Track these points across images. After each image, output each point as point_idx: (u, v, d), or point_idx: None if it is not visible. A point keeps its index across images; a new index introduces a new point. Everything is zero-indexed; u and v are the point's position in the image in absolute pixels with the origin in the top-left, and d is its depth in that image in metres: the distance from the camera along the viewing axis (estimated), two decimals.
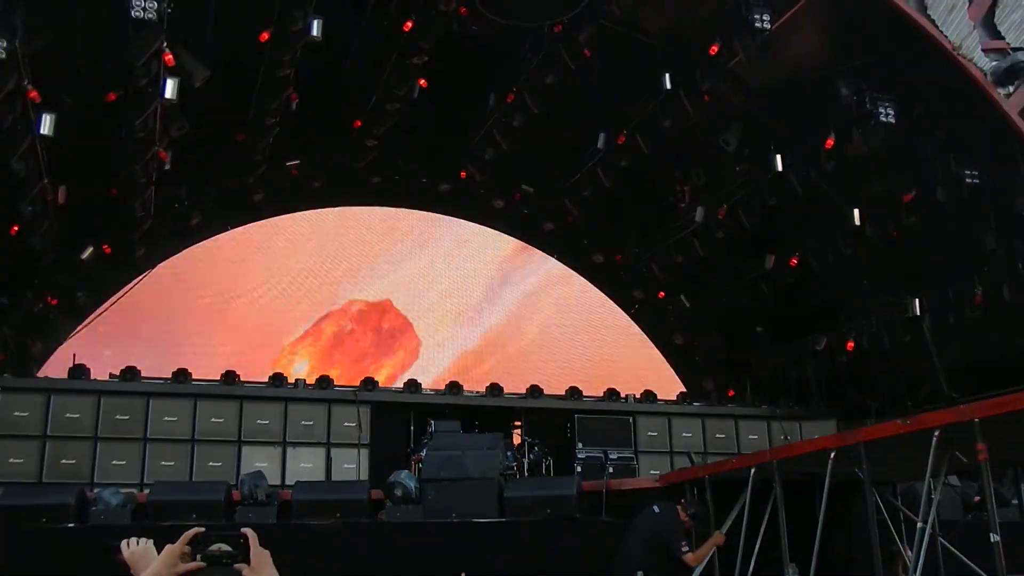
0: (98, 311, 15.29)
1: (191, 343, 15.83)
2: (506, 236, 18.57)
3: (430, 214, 18.13)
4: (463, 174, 16.78)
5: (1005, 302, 12.65)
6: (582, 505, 9.81)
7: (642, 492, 10.02)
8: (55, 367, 14.29)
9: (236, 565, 2.60)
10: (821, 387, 16.26)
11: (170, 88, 10.74)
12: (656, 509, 8.24)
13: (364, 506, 9.82)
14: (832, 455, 7.38)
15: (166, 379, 13.73)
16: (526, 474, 13.13)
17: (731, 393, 17.39)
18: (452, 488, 9.62)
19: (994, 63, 11.98)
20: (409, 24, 12.32)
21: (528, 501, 9.76)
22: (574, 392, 15.78)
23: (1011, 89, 11.97)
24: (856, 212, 13.77)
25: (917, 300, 13.87)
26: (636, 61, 13.71)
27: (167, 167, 12.51)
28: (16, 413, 12.49)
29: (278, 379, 14.21)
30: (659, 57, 13.36)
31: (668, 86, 12.99)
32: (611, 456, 14.22)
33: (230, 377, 13.96)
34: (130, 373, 13.53)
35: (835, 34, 12.24)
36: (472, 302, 18.42)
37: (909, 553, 7.34)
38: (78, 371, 13.38)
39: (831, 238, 14.52)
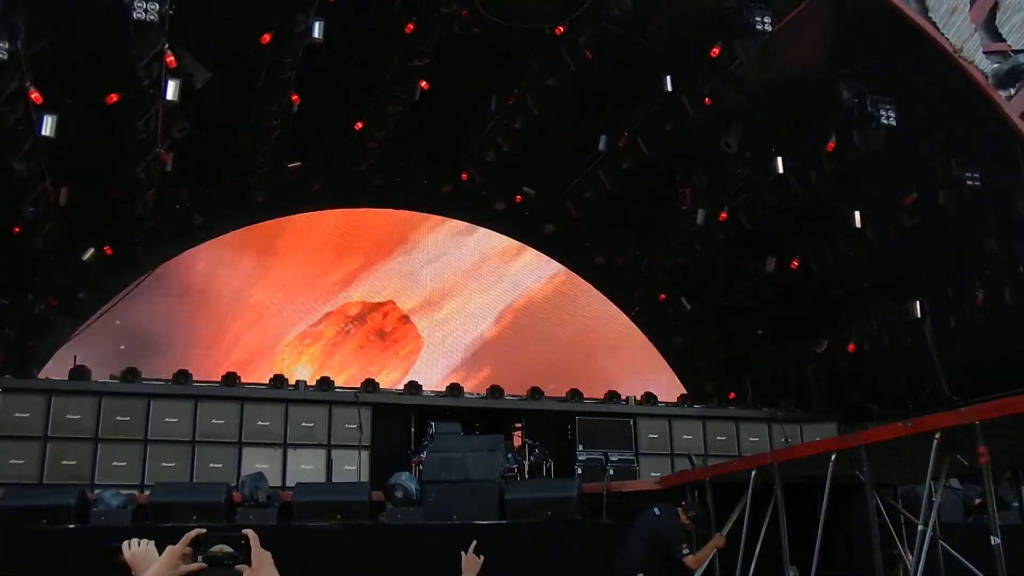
0: (99, 312, 15.30)
1: (191, 344, 15.84)
2: (506, 238, 18.58)
3: (430, 215, 18.15)
4: (464, 176, 16.79)
5: (1006, 304, 12.65)
6: (583, 507, 9.80)
7: (643, 494, 10.02)
8: (56, 368, 14.30)
9: (237, 566, 2.61)
10: (822, 389, 16.26)
11: (172, 89, 10.76)
12: (657, 511, 8.24)
13: (365, 508, 9.81)
14: (833, 457, 7.37)
15: (167, 380, 13.74)
16: (527, 476, 13.14)
17: (732, 395, 17.38)
18: (453, 490, 9.63)
19: (995, 65, 11.98)
20: (410, 26, 12.35)
21: (529, 503, 9.76)
22: (575, 394, 15.78)
23: (1012, 91, 11.97)
24: (857, 214, 13.78)
25: (918, 302, 13.88)
26: (637, 63, 13.71)
27: (168, 168, 12.51)
28: (17, 414, 12.50)
29: (279, 380, 14.21)
30: (660, 59, 13.37)
31: (669, 88, 13.00)
32: (612, 458, 14.23)
33: (231, 379, 13.97)
34: (131, 374, 13.54)
35: (836, 36, 12.24)
36: (473, 303, 18.42)
37: (910, 556, 7.33)
38: (79, 372, 13.39)
39: (832, 240, 14.52)
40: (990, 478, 6.08)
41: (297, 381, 14.55)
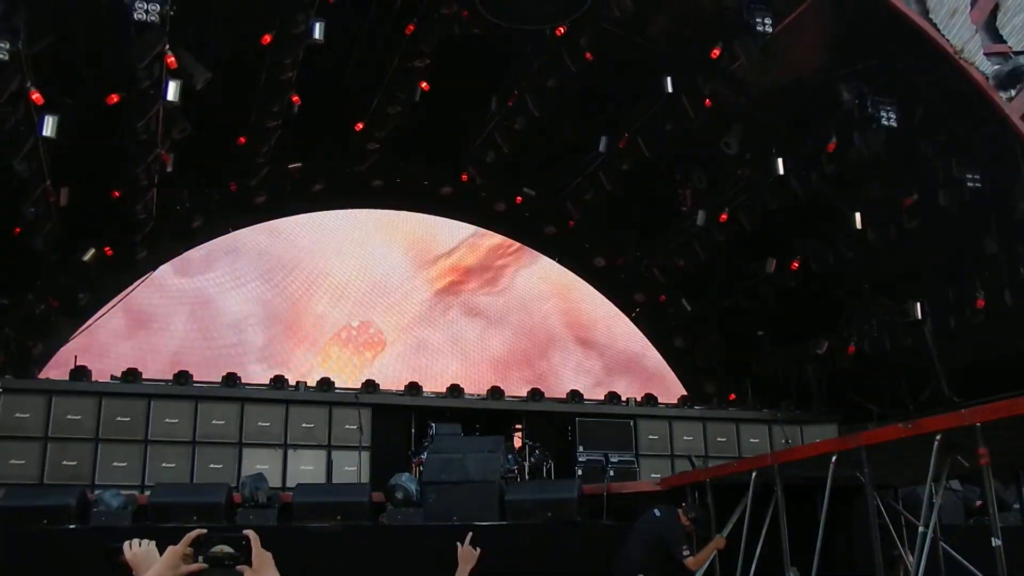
0: (99, 313, 15.30)
1: (192, 345, 15.85)
2: (507, 239, 18.59)
3: (430, 216, 18.15)
4: (464, 177, 16.79)
5: (1006, 306, 12.65)
6: (583, 508, 9.81)
7: (643, 496, 10.03)
8: (56, 369, 14.30)
9: (238, 567, 2.61)
10: (822, 390, 16.25)
11: (172, 90, 10.76)
12: (657, 513, 8.24)
13: (365, 509, 9.82)
14: (833, 459, 7.38)
15: (167, 381, 13.74)
16: (527, 477, 13.13)
17: (732, 396, 17.38)
18: (453, 491, 9.64)
19: (996, 67, 11.98)
20: (411, 27, 12.35)
21: (529, 504, 9.77)
22: (575, 395, 15.77)
23: (1013, 93, 11.97)
24: (857, 215, 13.78)
25: (918, 303, 13.87)
26: (638, 64, 13.71)
27: (169, 169, 12.51)
28: (17, 414, 12.49)
29: (279, 381, 14.21)
30: (661, 60, 13.37)
31: (670, 89, 12.99)
32: (612, 459, 14.22)
33: (231, 379, 13.97)
34: (131, 375, 13.54)
35: (836, 37, 12.24)
36: (474, 306, 18.43)
37: (910, 557, 7.33)
38: (79, 373, 13.39)
39: (832, 241, 14.52)
40: (991, 479, 6.08)
41: (297, 382, 14.55)
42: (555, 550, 9.32)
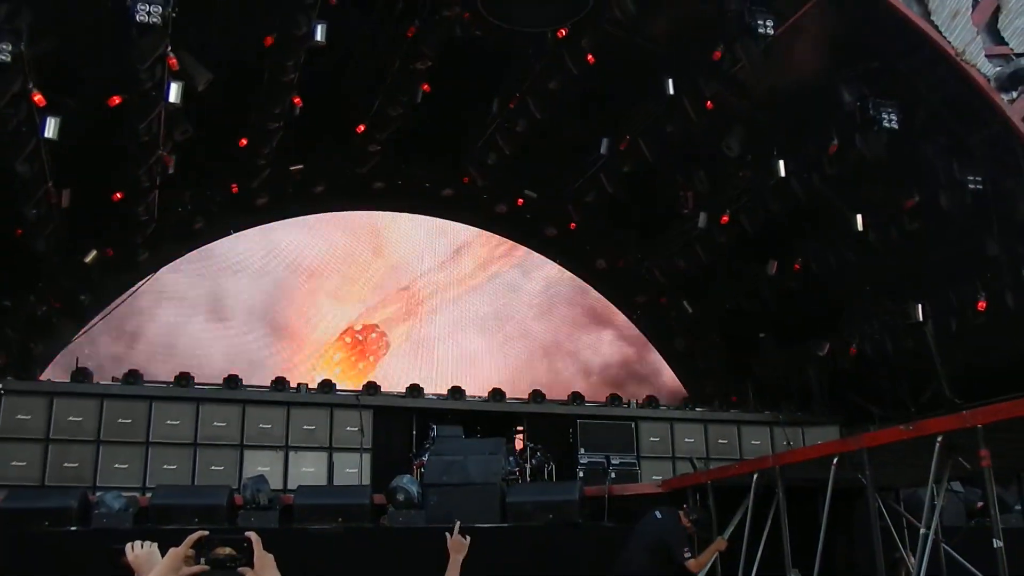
0: (101, 314, 15.32)
1: (193, 347, 15.86)
2: (508, 240, 18.60)
3: (431, 218, 18.16)
4: (466, 179, 16.79)
5: (1008, 307, 12.64)
6: (584, 510, 9.81)
7: (644, 498, 10.02)
8: (58, 370, 14.30)
9: (240, 569, 2.62)
10: (824, 392, 16.25)
11: (174, 92, 10.76)
12: (658, 515, 8.22)
13: (366, 511, 9.81)
14: (835, 461, 7.37)
15: (168, 383, 13.74)
16: (528, 479, 13.13)
17: (734, 398, 17.37)
18: (454, 493, 9.63)
19: (997, 69, 11.96)
20: (412, 29, 12.34)
21: (530, 506, 9.76)
22: (576, 397, 15.79)
23: (1014, 95, 11.94)
24: (859, 217, 13.77)
25: (919, 305, 13.87)
26: (639, 66, 13.71)
27: (171, 171, 12.51)
28: (19, 416, 12.51)
29: (280, 383, 14.22)
30: (662, 62, 13.36)
31: (671, 91, 12.99)
32: (613, 461, 14.23)
33: (232, 381, 13.98)
34: (132, 377, 13.55)
35: (838, 39, 12.23)
36: (474, 307, 18.43)
37: (912, 559, 7.33)
38: (81, 374, 13.40)
39: (834, 243, 14.52)
40: (992, 481, 6.08)
41: (299, 384, 14.56)
42: (556, 552, 9.31)
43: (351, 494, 10.41)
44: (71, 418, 12.73)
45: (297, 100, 12.75)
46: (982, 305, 12.93)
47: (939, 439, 6.26)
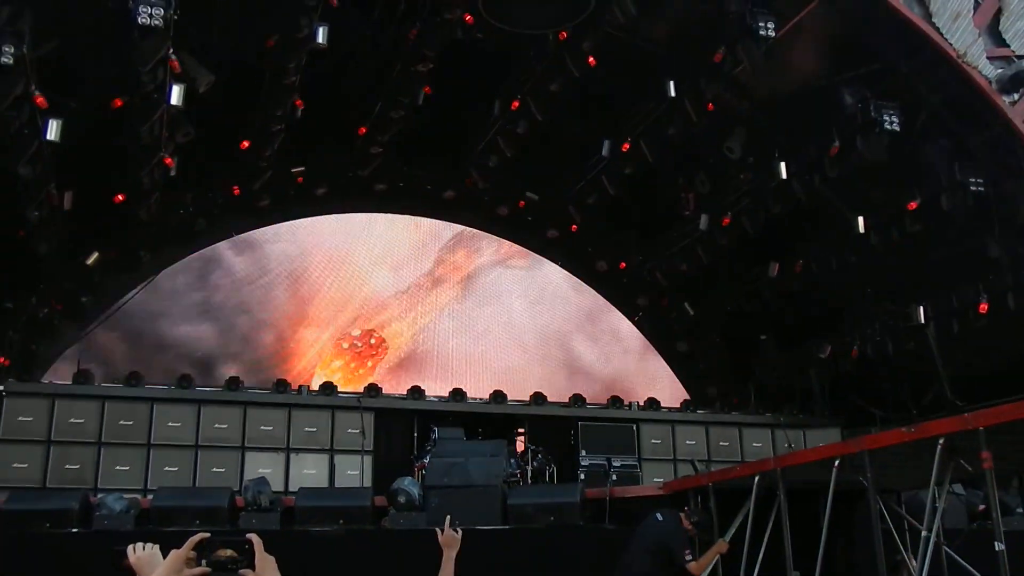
0: (103, 316, 15.32)
1: (194, 349, 15.86)
2: (509, 242, 18.59)
3: (433, 220, 18.16)
4: (467, 181, 16.79)
5: (1009, 309, 12.63)
6: (585, 513, 9.80)
7: (645, 500, 10.01)
8: (59, 372, 14.31)
9: (241, 571, 2.62)
10: (825, 394, 16.24)
11: (176, 94, 10.77)
12: (659, 517, 8.22)
13: (367, 513, 9.82)
14: (836, 463, 7.36)
15: (170, 385, 13.75)
16: (529, 481, 13.13)
17: (735, 400, 17.36)
18: (455, 495, 9.62)
19: (999, 71, 11.95)
20: (414, 31, 12.35)
21: (531, 508, 9.76)
22: (577, 399, 15.78)
23: (1016, 97, 11.94)
24: (860, 219, 13.77)
25: (921, 307, 13.86)
26: (640, 68, 13.71)
27: (172, 173, 12.53)
28: (20, 418, 12.53)
29: (282, 385, 14.23)
30: (663, 64, 13.36)
31: (672, 93, 12.99)
32: (614, 463, 14.21)
33: (234, 383, 13.99)
34: (134, 379, 13.55)
35: (839, 41, 12.23)
36: (475, 309, 18.42)
37: (913, 562, 7.32)
38: (82, 376, 13.40)
39: (835, 245, 14.51)
40: (994, 483, 6.07)
41: (300, 386, 14.56)
42: (557, 554, 9.30)
43: (352, 496, 10.41)
44: (72, 420, 12.74)
45: (299, 102, 12.76)
46: (983, 307, 12.92)
47: (940, 441, 6.25)
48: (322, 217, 17.31)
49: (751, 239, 14.94)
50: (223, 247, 16.57)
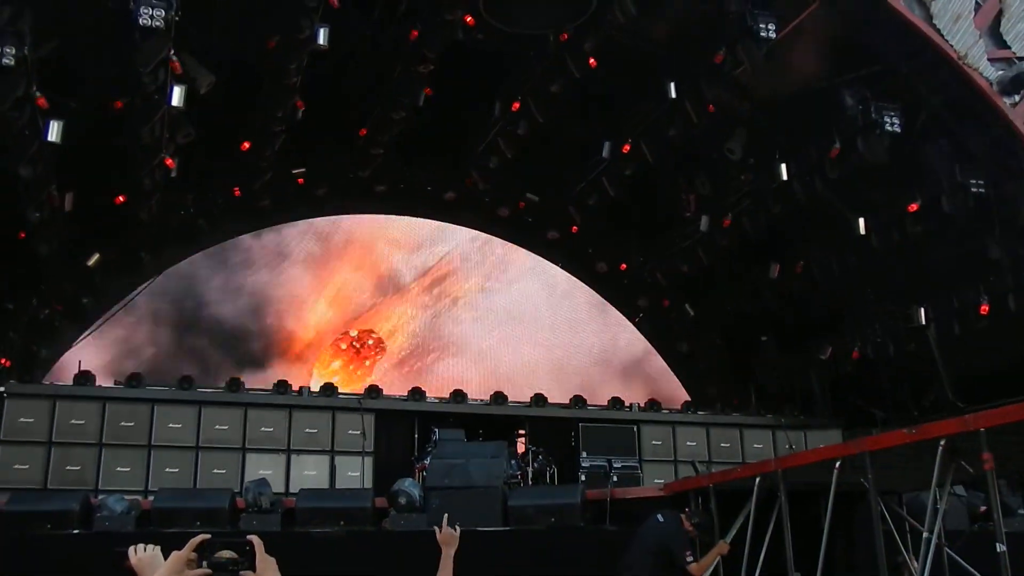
0: (104, 317, 15.33)
1: (196, 351, 15.87)
2: (509, 244, 18.60)
3: (432, 222, 18.16)
4: (468, 183, 16.79)
5: (1010, 311, 12.62)
6: (586, 514, 9.79)
7: (646, 501, 10.00)
8: (60, 373, 14.31)
9: (241, 572, 2.62)
10: (826, 396, 16.23)
11: (177, 96, 10.77)
12: (660, 518, 8.23)
13: (368, 514, 9.81)
14: (837, 464, 7.35)
15: (171, 386, 13.74)
16: (530, 483, 13.12)
17: (736, 401, 17.35)
18: (456, 496, 9.61)
19: (1000, 72, 11.95)
20: (415, 33, 12.35)
21: (532, 510, 9.76)
22: (578, 401, 15.76)
23: (1017, 98, 11.94)
24: (861, 221, 13.77)
25: (922, 309, 13.86)
26: (641, 69, 13.72)
27: (173, 174, 12.54)
28: (21, 419, 12.52)
29: (282, 386, 14.22)
30: (664, 65, 13.36)
31: (673, 95, 12.99)
32: (615, 465, 14.20)
33: (235, 384, 13.98)
34: (135, 380, 13.55)
35: (840, 43, 12.24)
36: (476, 311, 18.42)
37: (914, 563, 7.31)
38: (83, 378, 13.40)
39: (836, 246, 14.51)
40: (995, 485, 6.06)
41: (301, 387, 14.56)
42: (558, 556, 9.30)
43: (353, 497, 10.40)
44: (73, 421, 12.74)
45: (299, 103, 12.77)
46: (984, 308, 12.91)
47: (942, 443, 6.25)
48: (322, 218, 17.33)
49: (752, 240, 14.94)
50: (225, 247, 16.60)
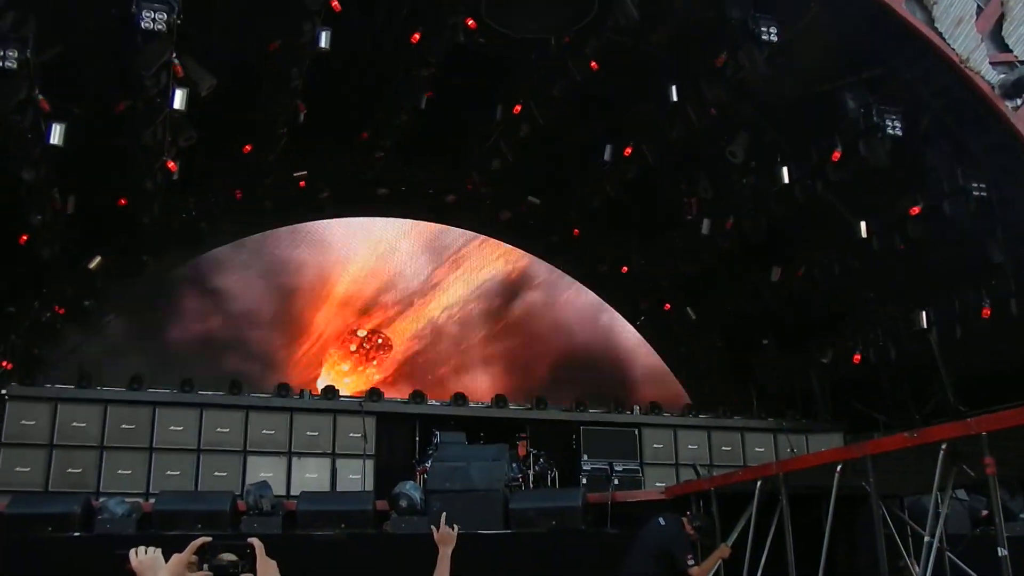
0: (105, 320, 15.34)
1: (197, 353, 15.87)
2: (510, 246, 18.60)
3: (432, 224, 18.17)
4: (469, 185, 16.79)
5: (1012, 314, 12.61)
6: (587, 517, 9.79)
7: (648, 504, 9.99)
8: (62, 376, 14.32)
9: (243, 575, 2.62)
10: (827, 399, 16.22)
11: (179, 99, 10.79)
12: (662, 521, 8.22)
13: (369, 517, 9.81)
14: (839, 468, 7.34)
15: (172, 389, 13.75)
16: (531, 486, 13.11)
17: (735, 401, 17.31)
18: (457, 499, 9.61)
19: (1001, 76, 11.94)
20: (417, 36, 12.36)
21: (533, 513, 9.75)
22: (580, 404, 15.75)
23: (1018, 102, 11.93)
24: (863, 224, 13.76)
25: (924, 312, 13.84)
26: (643, 72, 13.72)
27: (175, 177, 12.56)
28: (23, 422, 12.54)
29: (284, 389, 14.23)
30: (666, 68, 13.36)
31: (675, 98, 12.99)
32: (616, 468, 14.19)
33: (236, 387, 13.99)
34: (136, 383, 13.56)
35: (842, 46, 12.24)
36: (476, 312, 18.43)
37: (916, 567, 7.30)
38: (85, 380, 13.41)
39: (837, 250, 14.50)
40: (997, 489, 6.05)
41: (302, 390, 14.57)
42: (559, 559, 9.30)
43: (354, 500, 10.40)
44: (75, 424, 12.76)
45: (301, 106, 12.78)
46: (987, 312, 12.90)
47: (943, 446, 6.24)
48: (324, 221, 17.35)
49: (753, 243, 14.93)
50: (227, 250, 16.61)
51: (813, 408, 16.32)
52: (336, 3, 10.89)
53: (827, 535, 7.45)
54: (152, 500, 10.62)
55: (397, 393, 15.49)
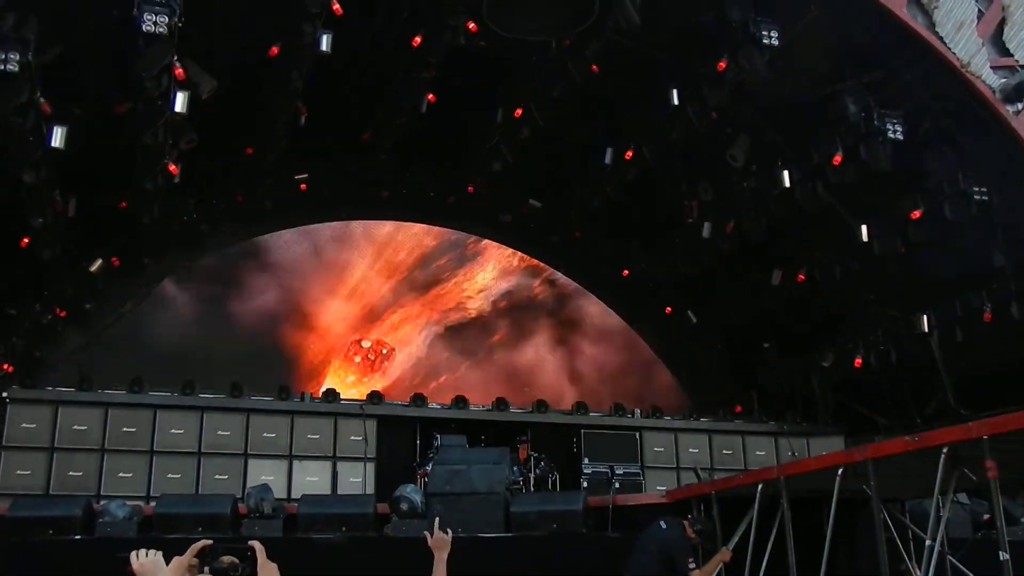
0: (106, 323, 15.34)
1: (198, 355, 15.87)
2: (510, 248, 18.61)
3: (431, 226, 18.18)
4: (470, 188, 16.79)
5: (1013, 318, 12.61)
6: (588, 520, 9.79)
7: (648, 508, 9.99)
8: (63, 378, 14.31)
9: None
10: (828, 402, 16.21)
11: (180, 101, 10.79)
12: (663, 525, 8.21)
13: (370, 520, 9.81)
14: (840, 472, 7.34)
15: (173, 392, 13.75)
16: (532, 489, 13.10)
17: (738, 409, 17.32)
18: (458, 502, 9.62)
19: (1002, 80, 11.95)
20: (418, 39, 12.37)
21: (534, 516, 9.75)
22: (580, 407, 15.74)
23: (1019, 106, 11.93)
24: (863, 228, 13.76)
25: (925, 315, 13.84)
26: (643, 75, 13.72)
27: (176, 179, 12.56)
28: (24, 425, 12.53)
29: (285, 392, 14.22)
30: (666, 71, 13.37)
31: (676, 101, 12.99)
32: (617, 471, 14.18)
33: (237, 390, 13.98)
34: (137, 385, 13.56)
35: (842, 50, 12.24)
36: (477, 314, 18.43)
37: (917, 571, 7.29)
38: (85, 383, 13.40)
39: (838, 253, 14.50)
40: (998, 492, 6.04)
41: (303, 393, 14.56)
42: (560, 562, 9.29)
43: (355, 503, 10.40)
44: (76, 427, 12.75)
45: (302, 109, 12.78)
46: (988, 316, 12.90)
47: (944, 450, 6.23)
48: (325, 224, 17.36)
49: (754, 246, 14.92)
50: (229, 253, 16.62)
51: (814, 411, 16.31)
52: (338, 7, 10.90)
53: (828, 539, 7.45)
54: (153, 503, 10.62)
55: (398, 396, 15.46)
